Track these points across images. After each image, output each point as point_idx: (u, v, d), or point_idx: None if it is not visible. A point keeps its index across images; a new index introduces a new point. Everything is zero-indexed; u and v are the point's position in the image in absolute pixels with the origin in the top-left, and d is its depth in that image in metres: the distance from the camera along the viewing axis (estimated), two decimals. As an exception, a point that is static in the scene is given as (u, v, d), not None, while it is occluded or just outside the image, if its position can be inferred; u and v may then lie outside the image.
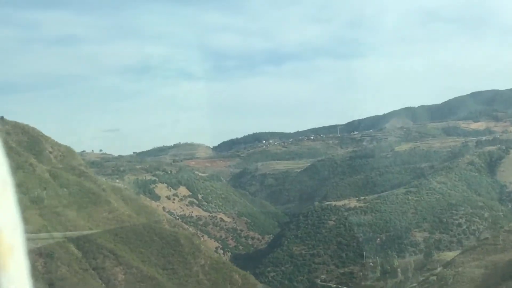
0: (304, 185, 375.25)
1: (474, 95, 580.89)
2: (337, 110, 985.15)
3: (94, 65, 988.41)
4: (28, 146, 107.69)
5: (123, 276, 74.87)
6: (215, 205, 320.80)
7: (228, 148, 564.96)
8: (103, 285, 71.92)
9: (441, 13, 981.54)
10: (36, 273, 64.77)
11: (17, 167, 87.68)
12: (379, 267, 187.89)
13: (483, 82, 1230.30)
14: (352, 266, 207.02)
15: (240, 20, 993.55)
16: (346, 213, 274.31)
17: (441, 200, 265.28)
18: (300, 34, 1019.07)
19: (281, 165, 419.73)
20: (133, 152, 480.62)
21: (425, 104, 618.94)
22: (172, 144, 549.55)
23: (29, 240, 67.35)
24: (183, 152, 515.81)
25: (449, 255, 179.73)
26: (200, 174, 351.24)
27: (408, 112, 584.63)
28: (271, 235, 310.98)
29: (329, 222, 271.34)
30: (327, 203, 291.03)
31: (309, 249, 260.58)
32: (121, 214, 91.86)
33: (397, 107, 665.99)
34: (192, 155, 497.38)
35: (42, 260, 68.04)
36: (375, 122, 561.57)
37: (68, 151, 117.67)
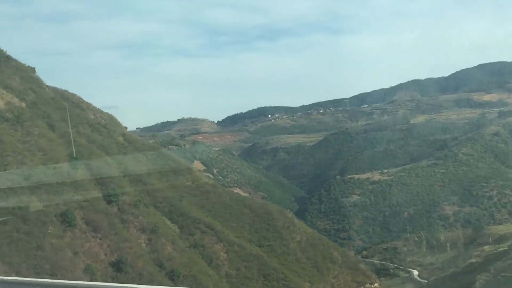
0: (318, 159, 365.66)
1: (481, 67, 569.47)
2: (340, 84, 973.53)
3: (87, 42, 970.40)
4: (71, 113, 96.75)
5: (225, 255, 65.03)
6: (230, 180, 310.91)
7: (233, 122, 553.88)
8: (207, 265, 62.14)
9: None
10: (141, 252, 54.94)
11: (93, 130, 77.92)
12: (424, 242, 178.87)
13: (489, 54, 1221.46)
14: (395, 241, 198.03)
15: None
16: (370, 187, 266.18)
17: (468, 172, 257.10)
18: (295, 9, 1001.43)
19: (292, 139, 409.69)
20: (137, 128, 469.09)
21: (432, 76, 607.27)
22: (176, 119, 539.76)
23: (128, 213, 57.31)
24: (188, 127, 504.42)
25: (499, 228, 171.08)
26: (213, 148, 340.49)
27: (416, 84, 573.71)
28: (289, 210, 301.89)
29: (353, 196, 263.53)
30: (349, 176, 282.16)
31: (333, 224, 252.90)
32: (205, 184, 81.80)
33: (403, 80, 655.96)
34: (197, 130, 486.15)
35: (145, 237, 58.07)
36: (382, 95, 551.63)
37: (111, 118, 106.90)
